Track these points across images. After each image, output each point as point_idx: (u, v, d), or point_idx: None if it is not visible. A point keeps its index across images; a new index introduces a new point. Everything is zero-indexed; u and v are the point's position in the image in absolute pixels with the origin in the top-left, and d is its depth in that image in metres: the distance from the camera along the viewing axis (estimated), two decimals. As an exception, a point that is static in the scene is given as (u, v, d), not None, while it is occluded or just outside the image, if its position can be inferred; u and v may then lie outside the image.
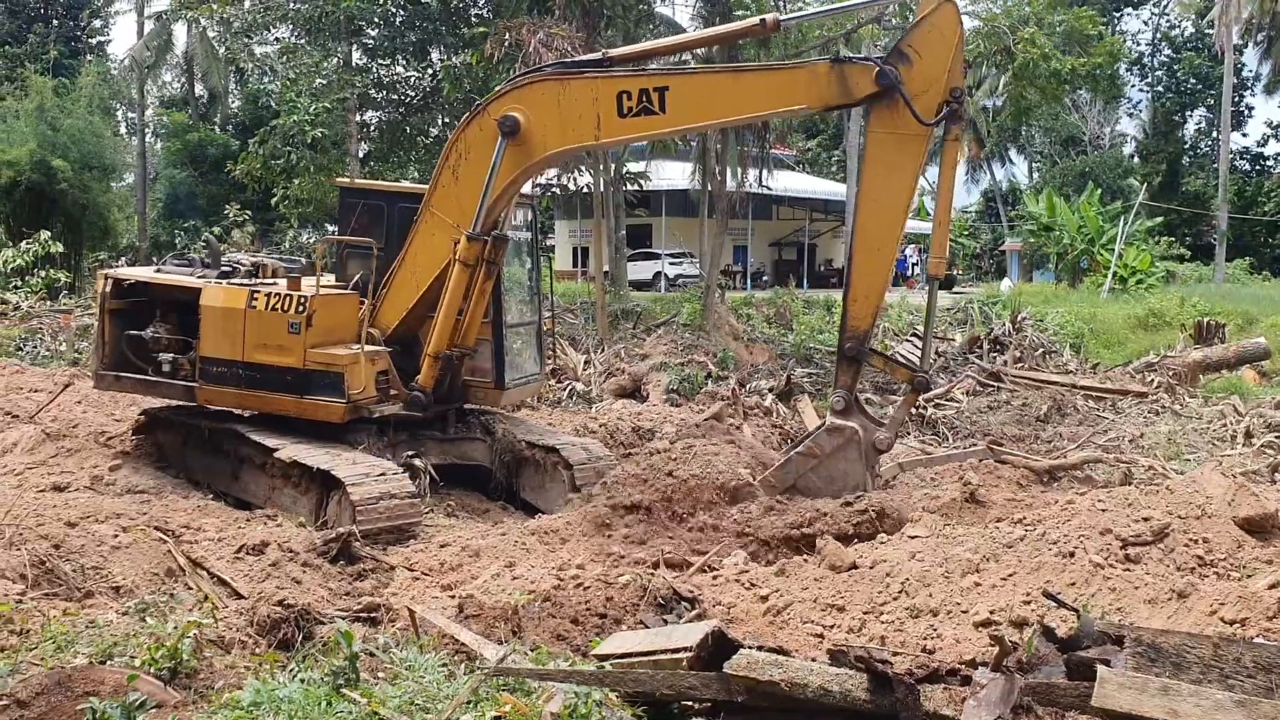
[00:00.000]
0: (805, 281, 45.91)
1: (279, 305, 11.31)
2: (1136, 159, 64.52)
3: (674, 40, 12.14)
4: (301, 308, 11.19)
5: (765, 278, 48.02)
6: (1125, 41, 68.07)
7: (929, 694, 4.25)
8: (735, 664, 4.39)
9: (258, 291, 11.54)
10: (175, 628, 5.69)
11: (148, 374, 12.16)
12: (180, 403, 12.30)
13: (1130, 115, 68.21)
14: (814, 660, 4.66)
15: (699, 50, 22.74)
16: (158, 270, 13.30)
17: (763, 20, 11.33)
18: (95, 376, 12.84)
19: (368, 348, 11.44)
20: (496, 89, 12.43)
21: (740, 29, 12.80)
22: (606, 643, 5.54)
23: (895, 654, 5.52)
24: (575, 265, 46.15)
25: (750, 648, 4.52)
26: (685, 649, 4.70)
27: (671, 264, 42.97)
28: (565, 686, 4.58)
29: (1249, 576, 8.22)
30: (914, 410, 18.37)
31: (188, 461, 12.48)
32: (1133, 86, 68.34)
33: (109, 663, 5.35)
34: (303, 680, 4.99)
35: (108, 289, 12.53)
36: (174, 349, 12.14)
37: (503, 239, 11.84)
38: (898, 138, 10.41)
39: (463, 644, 5.80)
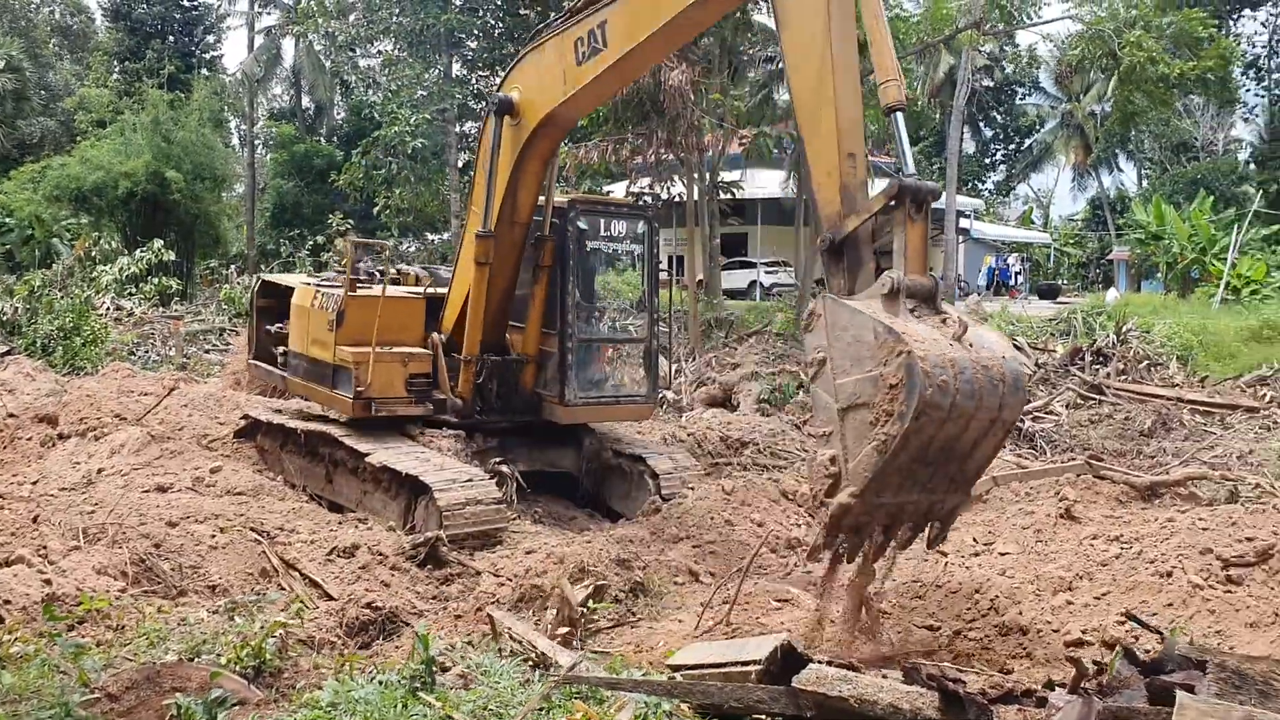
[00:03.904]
0: (903, 290, 45.29)
1: (325, 305, 12.10)
2: (1253, 165, 62.19)
3: None
4: (337, 307, 11.82)
5: (863, 286, 47.42)
6: (1241, 44, 65.86)
7: (1002, 715, 4.16)
8: (804, 679, 4.35)
9: (319, 292, 12.32)
10: (262, 627, 5.85)
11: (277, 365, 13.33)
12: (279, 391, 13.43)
13: (1246, 120, 65.87)
14: (884, 677, 4.60)
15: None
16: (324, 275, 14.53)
17: None
18: (246, 366, 14.64)
19: (395, 349, 11.74)
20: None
21: None
22: (681, 653, 5.53)
23: (977, 673, 5.41)
24: (670, 274, 46.22)
25: (821, 663, 4.47)
26: (755, 662, 4.67)
27: (767, 272, 42.75)
28: (636, 696, 4.59)
29: (1358, 601, 7.87)
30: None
31: (284, 464, 12.85)
32: (1248, 90, 65.96)
33: (197, 660, 5.53)
34: (381, 682, 5.09)
35: (257, 289, 14.23)
36: (285, 343, 13.21)
37: (543, 239, 11.79)
38: None
39: (539, 650, 5.84)
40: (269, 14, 55.49)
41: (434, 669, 5.12)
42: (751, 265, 43.49)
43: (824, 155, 8.05)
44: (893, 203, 7.40)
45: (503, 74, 11.86)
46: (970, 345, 6.72)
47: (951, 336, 6.69)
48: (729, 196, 32.36)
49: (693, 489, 11.83)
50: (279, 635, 5.71)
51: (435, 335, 12.06)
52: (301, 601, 8.34)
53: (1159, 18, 25.08)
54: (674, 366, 22.60)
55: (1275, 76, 65.64)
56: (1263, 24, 67.86)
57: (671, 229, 41.82)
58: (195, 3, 58.62)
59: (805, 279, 27.77)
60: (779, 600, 9.17)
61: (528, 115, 10.94)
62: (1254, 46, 67.45)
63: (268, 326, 13.70)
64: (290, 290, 13.31)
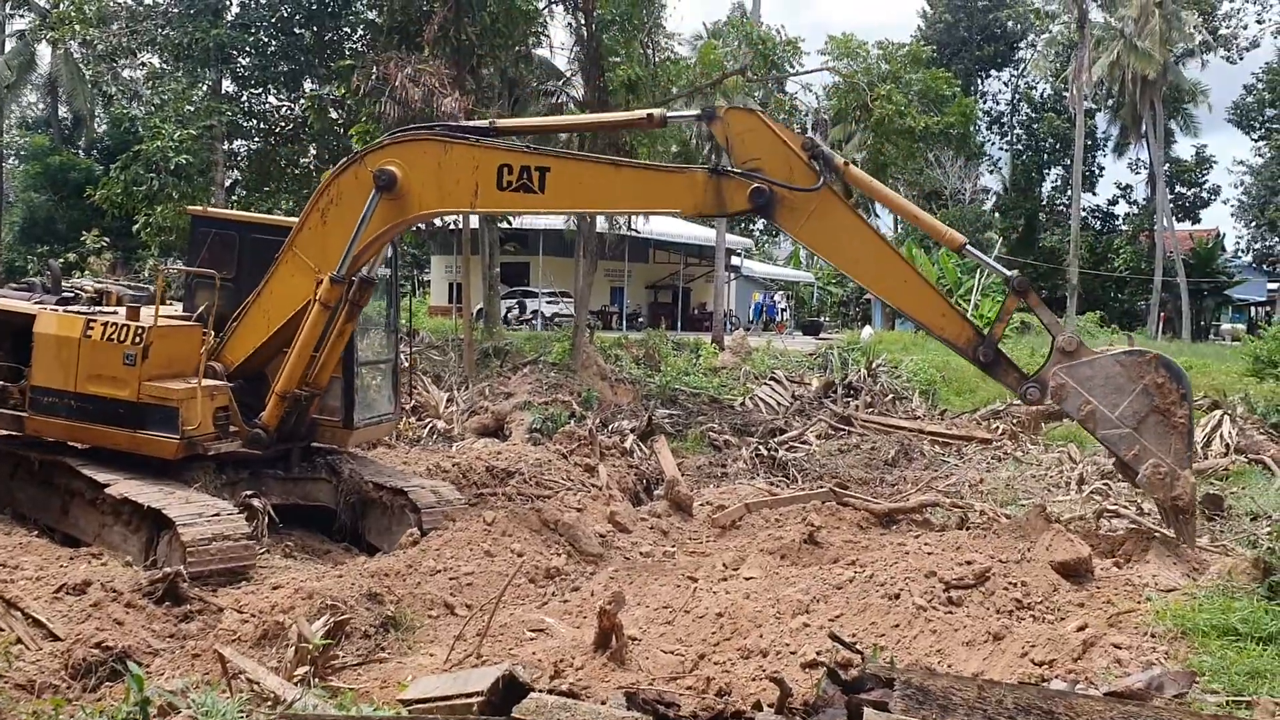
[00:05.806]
0: (679, 324, 46.45)
1: (115, 335, 11.00)
2: (996, 214, 67.07)
3: (560, 121, 12.62)
4: (138, 338, 10.89)
5: (641, 319, 48.51)
6: (986, 101, 71.19)
7: (713, 735, 4.35)
8: (524, 708, 4.43)
9: (94, 320, 11.21)
10: (-37, 673, 5.48)
11: None
12: (9, 432, 11.88)
13: (991, 171, 71.07)
14: (604, 704, 4.73)
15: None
16: None
17: (649, 115, 11.53)
18: None
19: (207, 382, 11.12)
20: (378, 140, 12.43)
21: (626, 119, 13.70)
22: (413, 687, 5.52)
23: (697, 696, 5.63)
24: (451, 301, 45.81)
25: (541, 692, 4.56)
26: (479, 693, 4.72)
27: (549, 303, 43.07)
28: (357, 731, 4.56)
29: (1061, 619, 8.56)
30: (765, 451, 18.83)
31: (14, 495, 11.99)
32: (993, 144, 71.29)
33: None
34: (93, 726, 4.87)
35: None
36: (3, 376, 11.76)
37: (369, 282, 11.71)
38: (815, 216, 10.47)
39: (268, 688, 5.71)
40: (22, 16, 52.01)
41: (149, 710, 4.93)
42: (533, 295, 43.73)
43: (928, 304, 10.59)
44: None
45: (380, 141, 11.95)
46: None
47: None
48: (505, 225, 32.38)
49: (455, 521, 11.78)
50: (-18, 680, 5.36)
51: (216, 365, 11.56)
52: (21, 643, 7.85)
53: (909, 74, 26.88)
54: (446, 396, 22.42)
55: (1016, 132, 71.17)
56: (1004, 83, 73.67)
57: (453, 256, 41.61)
58: (-63, 0, 54.36)
59: (579, 311, 28.08)
60: (534, 630, 9.25)
61: (413, 202, 11.11)
62: (998, 104, 73.10)
63: None
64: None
